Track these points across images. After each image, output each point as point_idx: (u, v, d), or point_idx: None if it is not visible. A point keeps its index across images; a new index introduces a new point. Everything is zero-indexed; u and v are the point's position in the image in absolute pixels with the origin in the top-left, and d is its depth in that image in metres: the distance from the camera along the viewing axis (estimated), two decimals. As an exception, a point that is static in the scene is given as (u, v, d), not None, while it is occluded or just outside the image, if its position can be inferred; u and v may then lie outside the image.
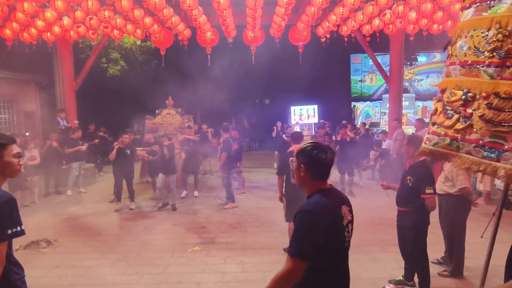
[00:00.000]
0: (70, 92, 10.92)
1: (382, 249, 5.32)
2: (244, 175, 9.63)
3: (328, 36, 9.65)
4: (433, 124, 2.31)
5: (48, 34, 8.84)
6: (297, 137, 5.57)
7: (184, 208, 7.76)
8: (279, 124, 12.76)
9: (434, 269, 4.47)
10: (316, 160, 2.00)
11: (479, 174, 7.34)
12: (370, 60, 16.70)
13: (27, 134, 11.51)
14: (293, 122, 13.69)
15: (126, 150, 7.57)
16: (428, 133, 2.35)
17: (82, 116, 11.42)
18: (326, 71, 19.29)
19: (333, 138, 10.99)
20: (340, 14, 8.13)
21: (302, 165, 2.04)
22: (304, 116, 13.94)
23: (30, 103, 12.85)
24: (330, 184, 2.12)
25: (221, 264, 4.98)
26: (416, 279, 4.16)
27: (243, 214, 7.36)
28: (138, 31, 9.38)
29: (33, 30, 8.46)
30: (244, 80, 17.20)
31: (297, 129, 12.98)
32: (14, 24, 8.07)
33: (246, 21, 8.62)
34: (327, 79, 20.23)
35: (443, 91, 2.24)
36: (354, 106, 21.91)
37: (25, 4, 7.05)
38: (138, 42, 13.06)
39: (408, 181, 3.89)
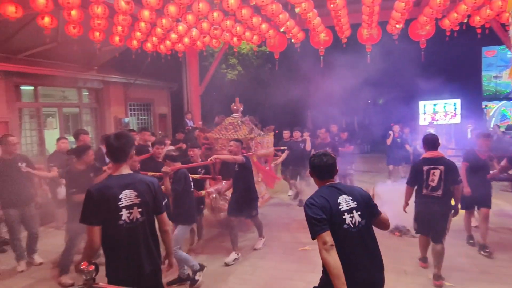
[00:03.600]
0: (195, 96, 12.21)
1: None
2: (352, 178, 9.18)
3: (456, 28, 8.68)
4: None
5: (180, 45, 10.03)
6: (432, 141, 4.43)
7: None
8: (396, 128, 9.93)
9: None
10: (316, 166, 2.67)
11: None
12: (509, 53, 14.39)
13: (160, 132, 13.29)
14: (422, 122, 10.56)
15: (20, 164, 4.92)
16: None
17: (206, 119, 12.57)
18: (451, 67, 17.22)
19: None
20: (472, 3, 7.26)
21: (310, 171, 2.75)
22: (440, 114, 10.62)
23: (163, 106, 14.79)
24: (338, 182, 2.73)
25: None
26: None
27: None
28: (255, 37, 9.94)
29: (168, 42, 9.72)
30: (357, 80, 16.60)
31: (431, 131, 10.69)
32: (154, 38, 9.38)
33: (361, 19, 8.37)
34: (452, 76, 18.03)
35: None
36: (486, 105, 19.08)
37: (163, 20, 8.14)
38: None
39: None
